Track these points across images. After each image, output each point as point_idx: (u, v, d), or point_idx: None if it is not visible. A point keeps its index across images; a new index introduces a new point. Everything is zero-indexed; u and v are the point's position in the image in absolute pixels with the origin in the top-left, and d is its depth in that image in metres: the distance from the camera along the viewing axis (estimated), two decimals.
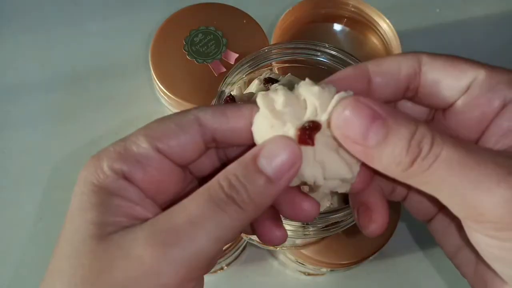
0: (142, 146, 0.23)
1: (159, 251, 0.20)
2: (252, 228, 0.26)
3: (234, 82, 0.40)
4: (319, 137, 0.23)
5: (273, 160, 0.22)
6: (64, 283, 0.21)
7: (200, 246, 0.21)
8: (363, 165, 0.24)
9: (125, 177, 0.22)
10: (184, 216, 0.21)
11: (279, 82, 0.40)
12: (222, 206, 0.21)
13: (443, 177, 0.21)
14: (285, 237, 0.26)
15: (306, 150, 0.23)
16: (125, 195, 0.22)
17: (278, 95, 0.23)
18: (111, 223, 0.22)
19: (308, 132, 0.23)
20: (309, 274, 0.52)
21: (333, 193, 0.26)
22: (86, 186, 0.22)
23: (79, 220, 0.22)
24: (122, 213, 0.22)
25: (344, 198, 0.40)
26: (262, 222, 0.26)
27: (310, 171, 0.23)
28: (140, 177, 0.23)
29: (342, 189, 0.25)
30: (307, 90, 0.23)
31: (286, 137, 0.22)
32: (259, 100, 0.23)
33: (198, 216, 0.21)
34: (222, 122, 0.23)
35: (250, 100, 0.41)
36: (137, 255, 0.21)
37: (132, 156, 0.22)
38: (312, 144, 0.23)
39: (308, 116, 0.23)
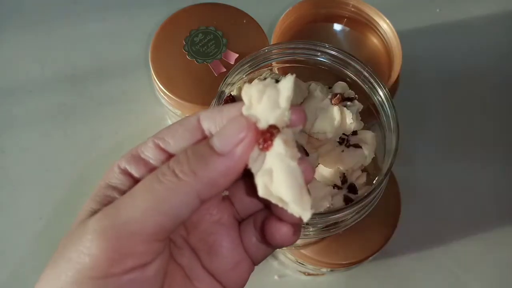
0: (148, 145, 0.24)
1: (94, 223, 0.21)
2: (262, 236, 0.25)
3: (234, 82, 0.40)
4: (279, 144, 0.21)
5: (221, 134, 0.22)
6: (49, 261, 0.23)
7: (131, 214, 0.21)
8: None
9: (129, 174, 0.24)
10: (129, 191, 0.22)
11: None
12: (160, 177, 0.22)
13: None
14: (291, 234, 0.24)
15: (261, 153, 0.22)
16: (121, 189, 0.23)
17: (251, 89, 0.22)
18: (95, 210, 0.23)
19: (263, 136, 0.22)
20: (309, 274, 0.52)
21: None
22: (99, 182, 0.24)
23: (82, 208, 0.24)
24: (107, 203, 0.23)
25: (345, 199, 0.40)
26: (268, 218, 0.25)
27: (258, 174, 0.22)
28: (141, 174, 0.24)
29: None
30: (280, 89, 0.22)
31: (240, 116, 0.22)
32: (242, 91, 0.23)
33: (136, 187, 0.22)
34: (217, 118, 0.24)
35: None
36: (84, 229, 0.22)
37: (138, 155, 0.24)
38: (262, 149, 0.22)
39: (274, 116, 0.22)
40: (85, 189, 0.53)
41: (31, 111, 0.57)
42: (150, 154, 0.24)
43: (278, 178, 0.21)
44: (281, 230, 0.24)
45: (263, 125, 0.22)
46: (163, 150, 0.24)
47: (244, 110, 0.22)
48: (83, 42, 0.62)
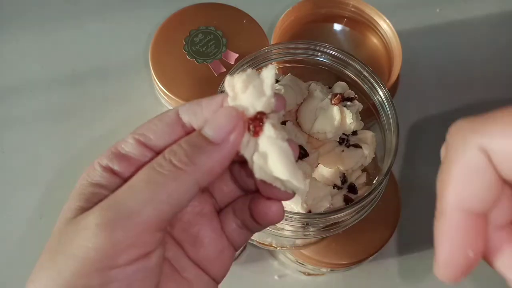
0: (129, 142, 0.25)
1: (95, 217, 0.22)
2: (251, 215, 0.26)
3: None
4: (268, 128, 0.23)
5: (213, 124, 0.23)
6: (38, 261, 0.24)
7: (133, 206, 0.22)
8: None
9: (112, 171, 0.24)
10: (126, 184, 0.23)
11: (279, 82, 0.40)
12: (157, 168, 0.23)
13: None
14: (282, 211, 0.26)
15: (252, 138, 0.23)
16: (106, 186, 0.24)
17: (235, 80, 0.24)
18: (84, 208, 0.23)
19: (253, 123, 0.23)
20: (309, 274, 0.52)
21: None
22: (79, 182, 0.25)
23: (63, 208, 0.24)
24: (96, 200, 0.23)
25: (345, 199, 0.40)
26: (256, 200, 0.26)
27: (253, 158, 0.23)
28: (124, 170, 0.24)
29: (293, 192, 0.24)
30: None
31: (229, 107, 0.23)
32: (225, 83, 0.24)
33: (134, 180, 0.23)
34: (197, 111, 0.24)
35: None
36: (80, 225, 0.22)
37: (119, 152, 0.25)
38: (254, 134, 0.23)
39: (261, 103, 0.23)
40: None
41: (31, 111, 0.57)
42: (132, 150, 0.24)
43: (272, 159, 0.23)
44: (273, 208, 0.25)
45: (251, 112, 0.23)
46: (144, 145, 0.24)
47: (230, 101, 0.24)
48: (83, 42, 0.62)
